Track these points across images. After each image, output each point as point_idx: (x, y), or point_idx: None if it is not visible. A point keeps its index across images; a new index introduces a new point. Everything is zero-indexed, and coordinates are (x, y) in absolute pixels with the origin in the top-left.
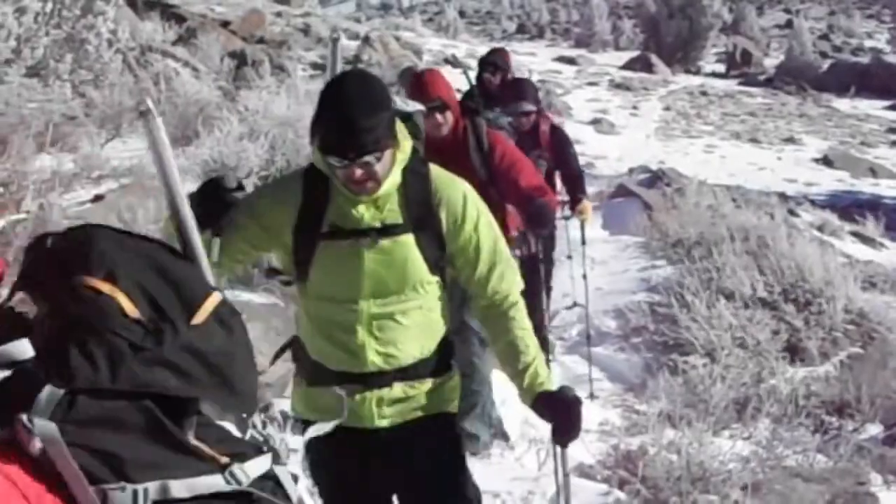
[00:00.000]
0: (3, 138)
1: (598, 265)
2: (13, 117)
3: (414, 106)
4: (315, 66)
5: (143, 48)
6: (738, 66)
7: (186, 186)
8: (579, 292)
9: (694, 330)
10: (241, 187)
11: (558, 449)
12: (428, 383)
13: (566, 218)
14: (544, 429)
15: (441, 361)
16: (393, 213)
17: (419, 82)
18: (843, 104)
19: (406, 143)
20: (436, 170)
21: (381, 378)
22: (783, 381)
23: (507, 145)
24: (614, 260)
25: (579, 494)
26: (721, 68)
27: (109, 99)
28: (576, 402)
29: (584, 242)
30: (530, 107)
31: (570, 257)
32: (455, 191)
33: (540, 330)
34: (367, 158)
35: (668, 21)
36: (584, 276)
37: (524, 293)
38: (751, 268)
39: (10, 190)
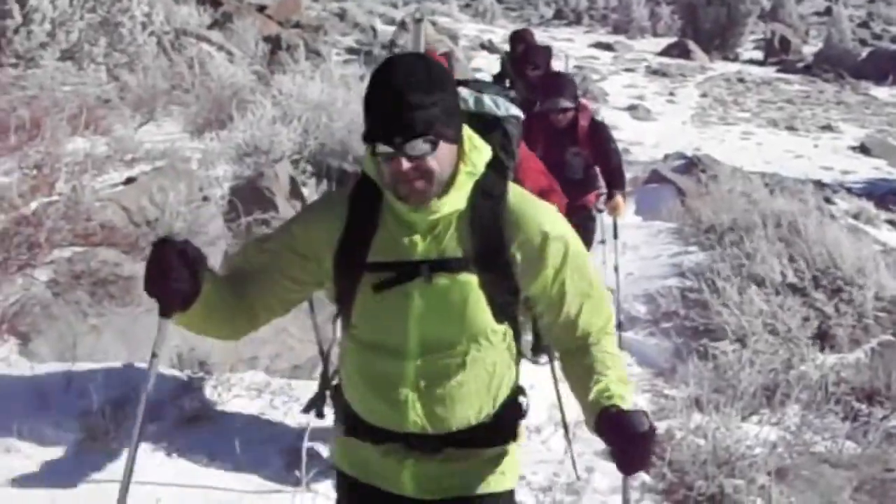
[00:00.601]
0: (37, 121)
1: (629, 250)
2: (47, 100)
3: (508, 110)
4: (350, 50)
5: (177, 32)
6: (777, 53)
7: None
8: (612, 278)
9: (724, 316)
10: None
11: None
12: (482, 454)
13: (599, 211)
14: (573, 412)
15: (502, 428)
16: (454, 243)
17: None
18: (881, 92)
19: (478, 155)
20: (516, 192)
21: (424, 441)
22: (813, 367)
23: None
24: (646, 245)
25: (604, 477)
26: (759, 55)
27: (143, 82)
28: (647, 431)
29: (616, 236)
30: (568, 104)
31: (603, 242)
32: (534, 222)
33: None
34: (418, 145)
35: (706, 7)
36: (616, 269)
37: None
38: (782, 254)
39: (43, 172)
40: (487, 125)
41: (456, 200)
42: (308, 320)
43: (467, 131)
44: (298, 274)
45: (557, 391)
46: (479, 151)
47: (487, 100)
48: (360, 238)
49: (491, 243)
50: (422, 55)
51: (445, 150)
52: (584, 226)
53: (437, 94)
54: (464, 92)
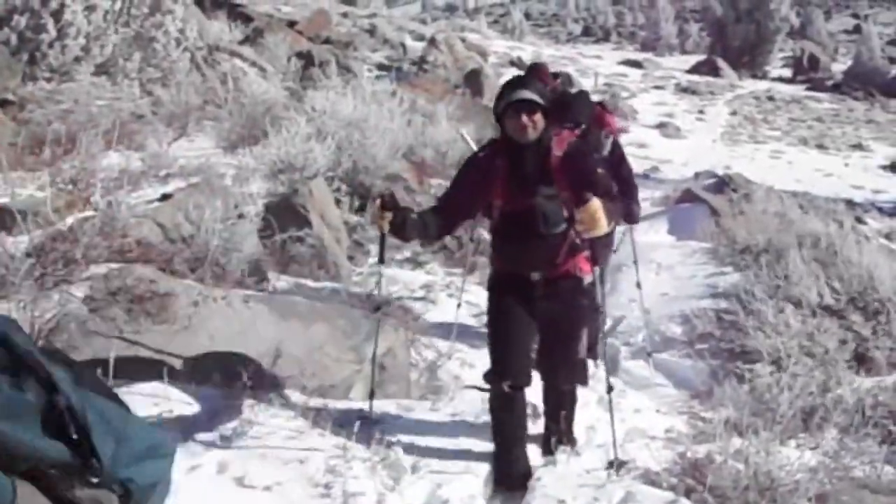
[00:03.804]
0: (73, 136)
1: (664, 270)
2: (82, 115)
3: None
4: (380, 66)
5: (210, 48)
6: (806, 71)
7: (255, 185)
8: (644, 295)
9: (760, 338)
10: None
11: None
12: None
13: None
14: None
15: None
16: None
17: None
18: None
19: None
20: None
21: None
22: (850, 390)
23: None
24: (681, 265)
25: (645, 503)
26: (788, 73)
27: (177, 98)
28: None
29: (635, 261)
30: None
31: (635, 262)
32: None
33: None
34: None
35: (734, 25)
36: (638, 285)
37: None
38: (819, 275)
39: (78, 187)
40: None
41: None
42: (344, 340)
43: None
44: None
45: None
46: None
47: None
48: None
49: None
50: None
51: None
52: (577, 317)
53: None
54: None
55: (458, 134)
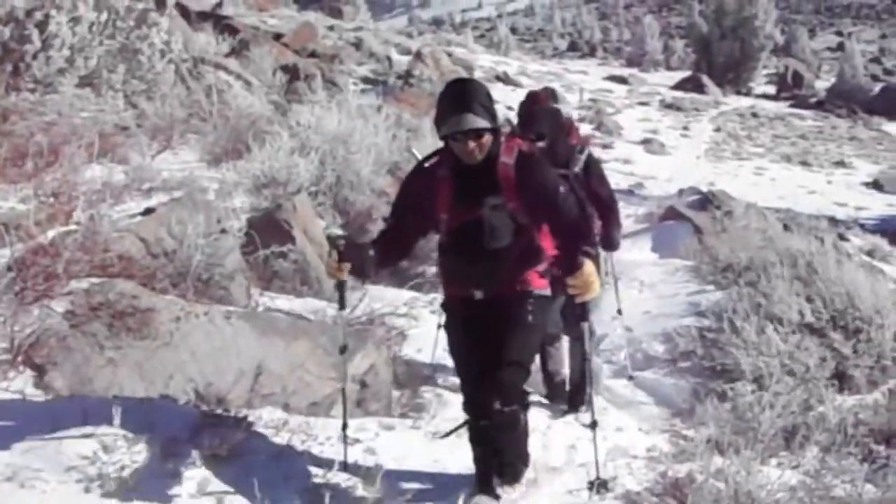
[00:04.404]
0: (56, 148)
1: (647, 288)
2: (65, 127)
3: None
4: (366, 80)
5: (195, 60)
6: (790, 88)
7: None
8: (627, 314)
9: (742, 356)
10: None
11: None
12: None
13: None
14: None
15: None
16: None
17: None
18: (893, 128)
19: None
20: None
21: None
22: (831, 409)
23: None
24: (663, 283)
25: None
26: (772, 90)
27: (161, 110)
28: None
29: (615, 281)
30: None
31: (617, 279)
32: None
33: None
34: None
35: (719, 42)
36: (619, 312)
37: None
38: (800, 294)
39: (60, 200)
40: None
41: None
42: (326, 357)
43: None
44: None
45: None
46: None
47: None
48: None
49: None
50: None
51: None
52: (517, 331)
53: None
54: None
55: (408, 150)
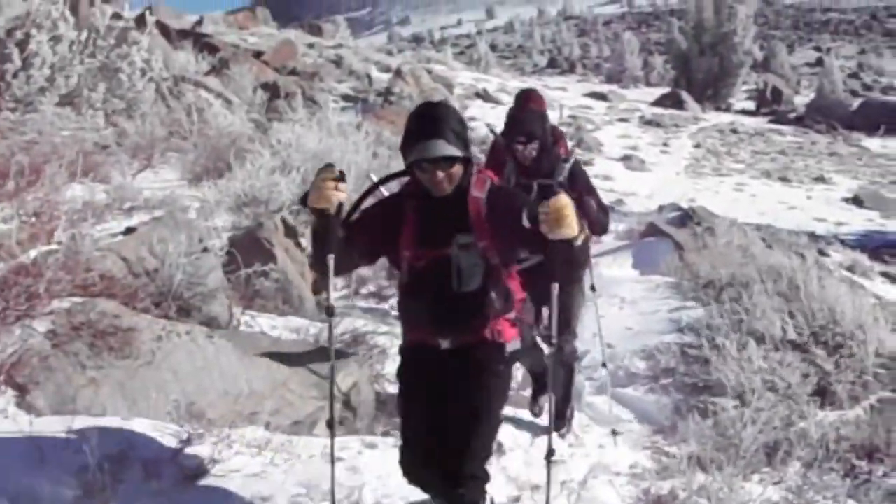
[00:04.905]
0: (37, 167)
1: (628, 305)
2: (46, 146)
3: None
4: (346, 97)
5: (176, 78)
6: (769, 103)
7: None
8: (607, 332)
9: (724, 372)
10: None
11: None
12: None
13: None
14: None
15: None
16: None
17: None
18: (873, 143)
19: None
20: None
21: None
22: (813, 424)
23: None
24: (644, 300)
25: None
26: (751, 106)
27: (142, 129)
28: None
29: (594, 289)
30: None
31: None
32: None
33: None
34: None
35: (698, 58)
36: (599, 335)
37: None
38: (781, 310)
39: (41, 220)
40: None
41: None
42: (308, 376)
43: None
44: None
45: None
46: None
47: None
48: None
49: None
50: None
51: None
52: (488, 398)
53: None
54: None
55: (368, 179)
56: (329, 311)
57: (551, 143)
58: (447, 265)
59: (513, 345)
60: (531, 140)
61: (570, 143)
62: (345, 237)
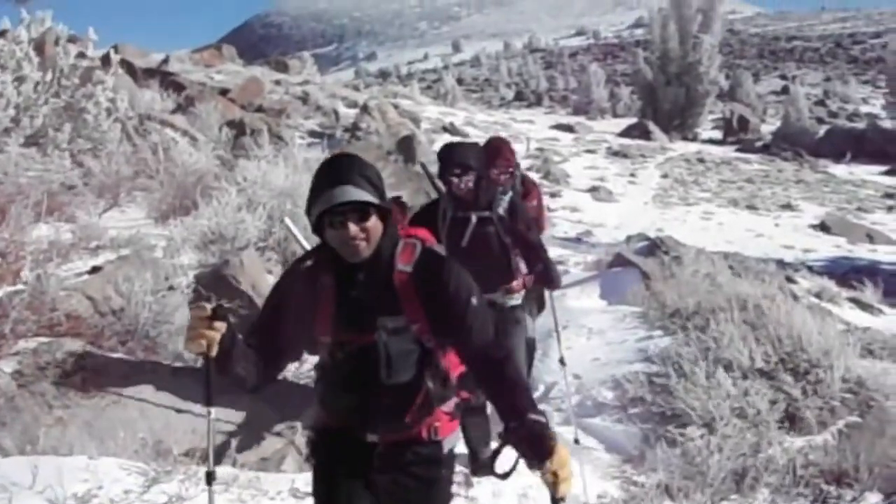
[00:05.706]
0: (2, 207)
1: (595, 335)
2: (11, 186)
3: None
4: (313, 133)
5: (141, 117)
6: (735, 132)
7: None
8: (574, 363)
9: (692, 400)
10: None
11: None
12: None
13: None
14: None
15: None
16: None
17: None
18: (839, 170)
19: None
20: None
21: None
22: (781, 450)
23: None
24: (612, 330)
25: None
26: (718, 135)
27: (108, 168)
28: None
29: (557, 331)
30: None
31: (565, 328)
32: None
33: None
34: None
35: (665, 88)
36: (562, 361)
37: None
38: (748, 337)
39: (7, 260)
40: None
41: None
42: (275, 413)
43: None
44: None
45: None
46: None
47: None
48: None
49: None
50: None
51: None
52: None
53: None
54: None
55: (283, 224)
56: (209, 479)
57: (519, 187)
58: (374, 352)
59: (450, 441)
60: (465, 172)
61: (536, 176)
62: (263, 336)
